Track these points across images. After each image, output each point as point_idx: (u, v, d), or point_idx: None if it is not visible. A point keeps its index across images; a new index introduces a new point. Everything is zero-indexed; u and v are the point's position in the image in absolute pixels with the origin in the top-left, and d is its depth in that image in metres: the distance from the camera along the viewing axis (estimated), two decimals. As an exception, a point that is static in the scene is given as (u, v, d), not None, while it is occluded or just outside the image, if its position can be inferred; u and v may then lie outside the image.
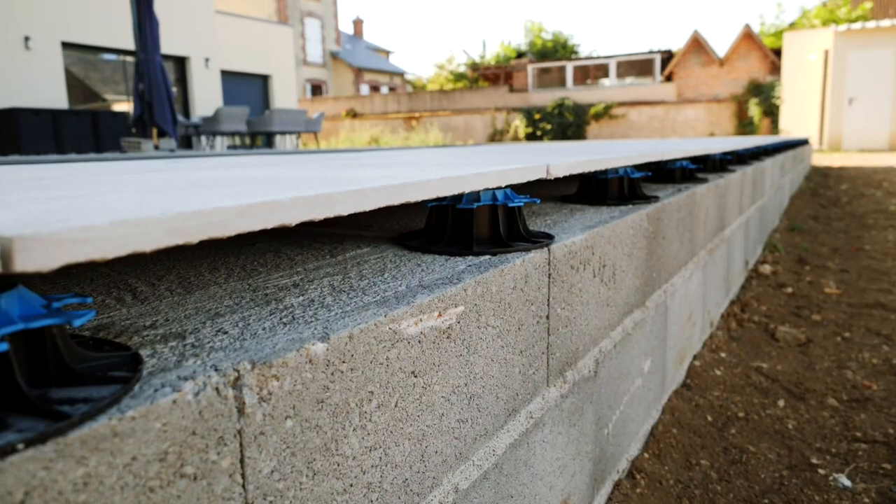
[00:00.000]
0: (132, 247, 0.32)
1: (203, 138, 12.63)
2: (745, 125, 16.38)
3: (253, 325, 0.49)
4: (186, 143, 12.83)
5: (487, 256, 0.74)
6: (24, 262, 0.28)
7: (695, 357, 1.81)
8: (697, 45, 17.61)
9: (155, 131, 9.31)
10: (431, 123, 20.40)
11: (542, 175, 0.78)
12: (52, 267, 0.29)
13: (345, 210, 0.46)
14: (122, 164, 1.50)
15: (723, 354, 1.90)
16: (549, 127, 18.37)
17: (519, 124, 18.93)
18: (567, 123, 18.23)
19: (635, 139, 12.87)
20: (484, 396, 0.66)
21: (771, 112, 15.99)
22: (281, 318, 0.51)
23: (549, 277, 0.80)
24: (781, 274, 2.96)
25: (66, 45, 11.41)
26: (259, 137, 13.34)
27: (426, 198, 0.56)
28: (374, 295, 0.57)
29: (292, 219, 0.41)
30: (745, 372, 1.79)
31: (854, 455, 1.39)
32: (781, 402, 1.63)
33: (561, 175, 0.85)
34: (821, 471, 1.31)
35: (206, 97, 13.99)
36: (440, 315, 0.58)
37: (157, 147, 9.06)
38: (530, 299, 0.75)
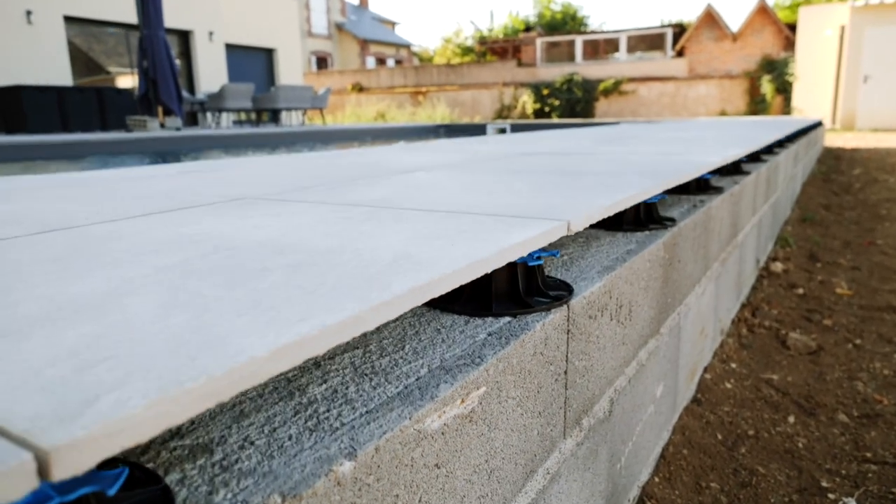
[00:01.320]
0: (165, 424, 0.32)
1: (209, 115, 12.57)
2: (757, 102, 16.16)
3: (279, 431, 0.49)
4: (192, 119, 12.78)
5: (507, 319, 0.73)
6: (62, 472, 0.27)
7: (705, 369, 1.81)
8: (710, 18, 17.29)
9: (160, 109, 9.27)
10: (438, 99, 20.21)
11: (562, 233, 0.77)
12: (85, 469, 0.29)
13: (371, 326, 0.45)
14: (132, 187, 1.49)
15: (733, 365, 1.90)
16: (557, 103, 18.18)
17: (527, 100, 18.73)
18: (576, 99, 18.03)
19: (643, 119, 12.74)
20: (503, 468, 0.66)
21: (784, 89, 15.76)
22: (306, 422, 0.51)
23: (567, 334, 0.80)
24: (793, 272, 2.94)
25: (69, 19, 11.30)
26: (265, 113, 13.27)
27: (451, 289, 0.55)
28: (396, 382, 0.57)
29: (320, 350, 0.41)
30: (756, 384, 1.79)
31: (864, 477, 1.40)
32: (792, 419, 1.63)
33: (582, 229, 0.84)
34: (830, 495, 1.32)
35: (210, 72, 13.88)
36: (463, 401, 0.57)
37: (162, 125, 9.02)
38: (549, 360, 0.75)
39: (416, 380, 0.58)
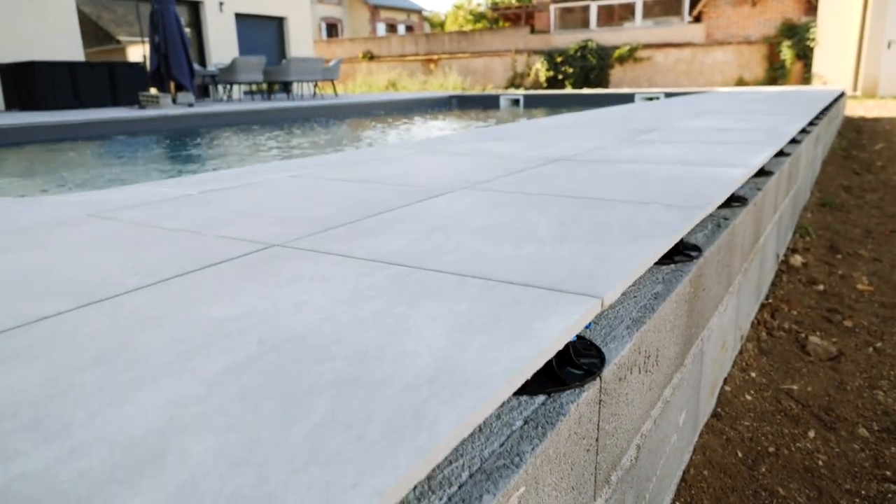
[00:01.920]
0: None
1: (220, 87, 12.49)
2: (775, 69, 15.79)
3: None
4: (203, 91, 12.72)
5: (542, 398, 0.74)
6: None
7: (725, 381, 1.82)
8: (729, -18, 16.78)
9: (172, 84, 9.23)
10: (450, 66, 19.92)
11: (597, 311, 0.78)
12: None
13: (422, 476, 0.46)
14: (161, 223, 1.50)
15: (753, 374, 1.91)
16: (570, 70, 17.86)
17: (540, 68, 18.42)
18: (590, 67, 17.70)
19: (658, 89, 12.52)
20: (539, 554, 0.68)
21: (804, 55, 15.36)
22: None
23: (599, 404, 0.81)
24: (812, 266, 2.92)
25: (79, -8, 11.18)
26: (276, 85, 13.16)
27: (489, 413, 0.56)
28: (440, 492, 0.58)
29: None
30: (776, 396, 1.80)
31: (883, 498, 1.41)
32: (812, 433, 1.64)
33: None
34: (850, 519, 1.34)
35: (220, 42, 13.74)
36: (504, 506, 0.59)
37: (174, 101, 8.99)
38: (582, 436, 0.76)
39: (459, 488, 0.59)
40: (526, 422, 0.69)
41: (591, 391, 0.77)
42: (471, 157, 2.23)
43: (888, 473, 1.50)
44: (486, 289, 0.81)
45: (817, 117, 4.54)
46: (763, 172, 2.24)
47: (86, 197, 1.66)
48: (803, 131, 3.64)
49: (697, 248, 1.33)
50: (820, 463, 1.53)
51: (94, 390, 0.58)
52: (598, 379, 0.79)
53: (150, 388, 0.58)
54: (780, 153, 2.84)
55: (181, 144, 6.44)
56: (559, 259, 0.95)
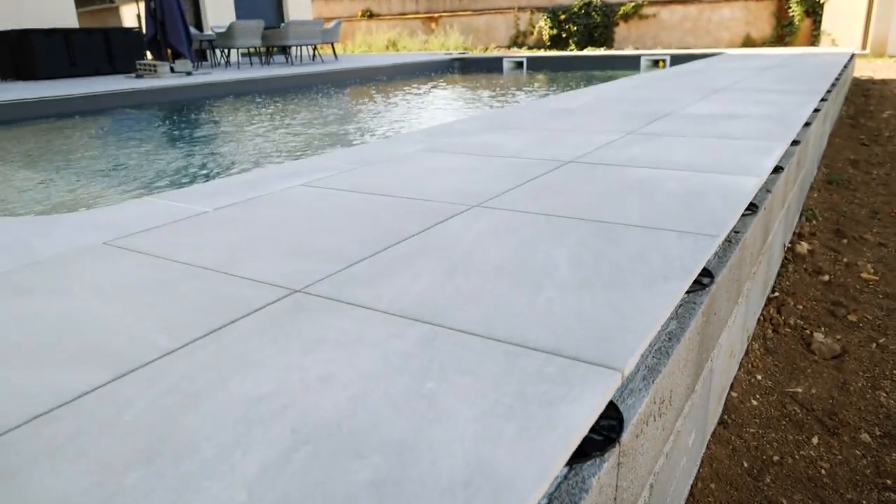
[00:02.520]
0: None
1: (217, 51, 12.28)
2: (783, 26, 15.45)
3: None
4: (200, 55, 12.50)
5: (564, 470, 0.77)
6: None
7: (732, 386, 1.86)
8: (738, -65, 16.26)
9: (170, 51, 9.08)
10: (451, 25, 19.50)
11: (617, 385, 0.80)
12: None
13: None
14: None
15: (759, 377, 1.95)
16: (574, 29, 17.50)
17: (543, 26, 18.05)
18: (594, 25, 17.34)
19: (662, 50, 12.26)
20: None
21: (813, 12, 15.01)
22: None
23: (618, 466, 0.84)
24: (818, 253, 2.94)
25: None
26: (274, 48, 12.93)
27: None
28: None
29: None
30: (781, 400, 1.84)
31: (884, 508, 1.46)
32: (815, 440, 1.69)
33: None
34: (852, 531, 1.39)
35: (217, 5, 13.43)
36: None
37: (173, 70, 8.86)
38: (601, 503, 0.80)
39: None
40: (550, 500, 0.72)
41: (611, 458, 0.80)
42: (479, 159, 2.23)
43: (889, 482, 1.55)
44: (510, 358, 0.84)
45: (828, 91, 4.48)
46: (775, 171, 2.23)
47: (99, 216, 1.67)
48: (815, 110, 3.60)
49: (709, 274, 1.35)
50: (823, 472, 1.58)
51: (144, 495, 0.61)
52: (617, 445, 0.82)
53: (197, 493, 0.61)
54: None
55: (183, 122, 6.37)
56: (579, 314, 0.97)
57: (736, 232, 1.64)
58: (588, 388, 0.76)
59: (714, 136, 2.49)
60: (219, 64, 11.82)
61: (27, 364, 0.89)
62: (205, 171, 4.04)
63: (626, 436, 0.84)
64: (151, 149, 5.12)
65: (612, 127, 2.91)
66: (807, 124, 3.23)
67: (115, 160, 4.61)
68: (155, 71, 8.66)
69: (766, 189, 2.02)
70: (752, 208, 1.82)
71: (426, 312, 0.99)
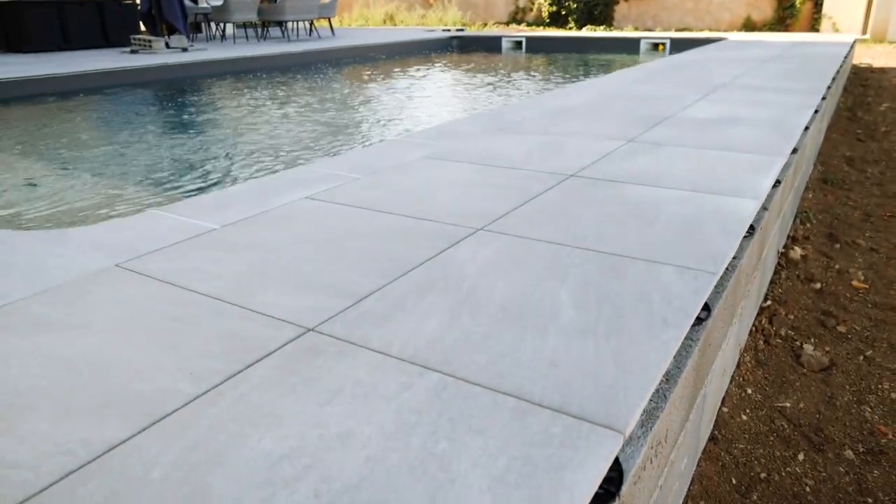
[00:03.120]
0: None
1: (213, 24, 12.10)
2: (784, 8, 15.33)
3: None
4: (195, 28, 12.32)
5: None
6: None
7: (723, 400, 1.92)
8: (743, -87, 16.02)
9: (165, 26, 8.95)
10: (449, 0, 19.23)
11: (619, 448, 0.85)
12: None
13: None
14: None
15: (749, 390, 2.01)
16: (574, 6, 17.31)
17: (543, 2, 17.84)
18: (594, 3, 17.15)
19: (662, 33, 12.16)
20: None
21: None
22: None
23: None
24: (811, 259, 2.99)
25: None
26: (269, 22, 12.75)
27: None
28: None
29: None
30: (769, 415, 1.91)
31: (864, 527, 1.54)
32: (801, 456, 1.76)
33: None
34: (832, 551, 1.46)
35: (212, -24, 13.19)
36: None
37: (168, 45, 8.75)
38: (602, 555, 0.85)
39: None
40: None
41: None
42: (482, 170, 2.25)
43: (870, 500, 1.62)
44: (518, 415, 0.88)
45: (827, 88, 4.49)
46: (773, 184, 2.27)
47: (108, 233, 1.69)
48: (814, 111, 3.62)
49: (706, 306, 1.39)
50: (807, 489, 1.65)
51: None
52: (617, 497, 0.87)
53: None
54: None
55: (181, 105, 6.32)
56: (582, 365, 1.01)
57: (734, 258, 1.68)
58: (592, 453, 0.81)
59: (714, 147, 2.52)
60: (214, 37, 11.66)
61: (55, 412, 0.93)
62: (200, 170, 4.03)
63: (625, 487, 0.89)
64: (140, 138, 5.10)
65: (613, 132, 2.93)
66: (806, 127, 3.26)
67: (103, 151, 4.59)
68: (150, 46, 8.55)
69: (763, 207, 2.06)
70: (750, 230, 1.86)
71: (436, 359, 1.03)
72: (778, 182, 2.39)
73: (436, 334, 1.10)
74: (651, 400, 1.06)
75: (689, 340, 1.26)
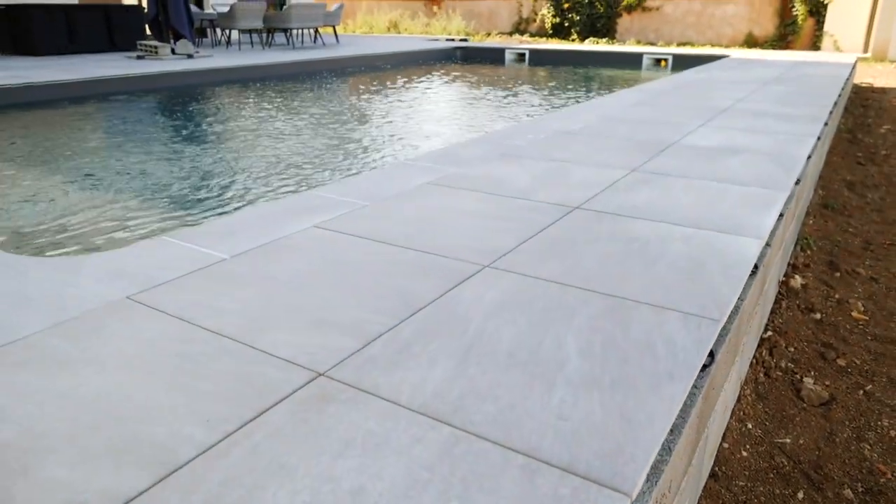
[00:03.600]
0: None
1: (218, 31, 12.16)
2: (786, 25, 15.43)
3: None
4: (200, 33, 12.36)
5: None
6: None
7: (724, 436, 1.94)
8: (746, -70, 16.14)
9: (171, 32, 8.99)
10: (454, 9, 19.34)
11: (627, 510, 0.86)
12: None
13: None
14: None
15: (749, 425, 2.03)
16: (577, 18, 17.42)
17: (546, 14, 17.95)
18: (597, 15, 17.25)
19: (663, 48, 12.21)
20: None
21: (816, 12, 14.98)
22: None
23: (623, 577, 0.90)
24: (811, 288, 3.01)
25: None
26: (275, 29, 12.80)
27: None
28: None
29: None
30: (769, 451, 1.92)
31: (862, 570, 1.55)
32: (801, 494, 1.78)
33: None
34: None
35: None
36: None
37: (174, 51, 8.79)
38: None
39: None
40: None
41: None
42: (487, 199, 2.27)
43: (868, 542, 1.64)
44: (527, 474, 0.90)
45: (829, 113, 4.52)
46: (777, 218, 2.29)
47: (119, 261, 1.71)
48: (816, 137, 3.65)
49: (711, 356, 1.41)
50: (806, 529, 1.66)
51: None
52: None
53: None
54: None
55: (187, 116, 6.35)
56: (590, 420, 1.03)
57: (740, 299, 1.70)
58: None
59: (716, 179, 2.54)
60: (219, 43, 11.71)
61: (71, 457, 0.95)
62: (204, 185, 4.05)
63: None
64: (144, 149, 5.12)
65: (615, 160, 2.95)
66: (808, 157, 3.29)
67: (113, 166, 4.61)
68: (156, 52, 8.59)
69: (766, 243, 2.08)
70: (753, 268, 1.88)
71: (445, 409, 1.05)
72: (780, 215, 2.41)
73: (445, 383, 1.12)
74: (657, 454, 1.07)
75: (694, 388, 1.27)
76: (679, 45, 16.24)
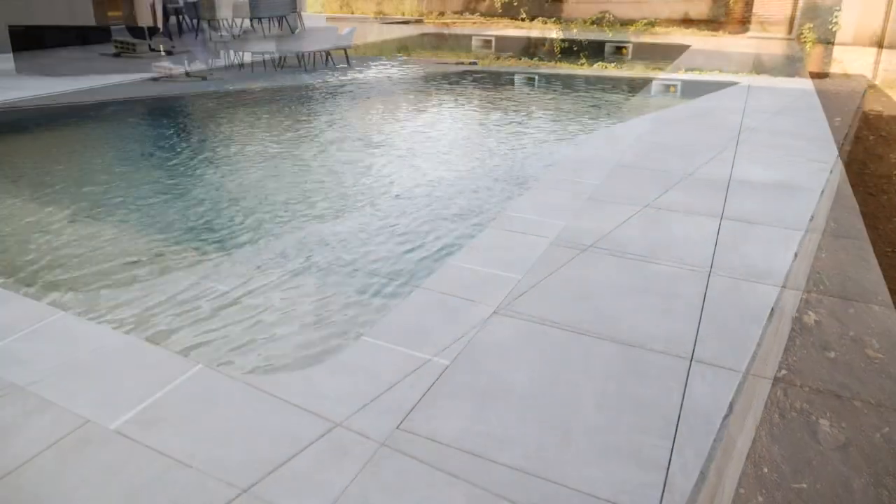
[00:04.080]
0: None
1: (231, 52, 12.33)
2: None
3: None
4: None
5: None
6: None
7: (739, 481, 1.91)
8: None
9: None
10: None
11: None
12: None
13: None
14: None
15: (765, 469, 2.00)
16: (585, 42, 17.68)
17: (555, 37, 18.19)
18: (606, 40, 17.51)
19: (677, 74, 12.28)
20: None
21: (827, 40, 15.11)
22: None
23: None
24: (825, 324, 2.99)
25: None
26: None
27: None
28: None
29: None
30: (786, 497, 1.90)
31: None
32: (819, 543, 1.74)
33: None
34: None
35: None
36: None
37: (188, 74, 8.90)
38: None
39: None
40: None
41: None
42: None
43: None
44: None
45: (840, 143, 4.52)
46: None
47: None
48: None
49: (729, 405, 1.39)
50: (824, 582, 1.63)
51: None
52: None
53: None
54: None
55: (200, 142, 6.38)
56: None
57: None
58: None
59: (731, 219, 2.54)
60: (233, 65, 11.86)
61: None
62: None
63: None
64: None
65: (632, 193, 2.96)
66: (821, 192, 3.27)
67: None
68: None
69: (782, 286, 2.07)
70: (769, 312, 1.87)
71: (472, 470, 1.03)
72: (795, 255, 2.40)
73: (467, 436, 1.12)
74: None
75: (715, 442, 1.26)
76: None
